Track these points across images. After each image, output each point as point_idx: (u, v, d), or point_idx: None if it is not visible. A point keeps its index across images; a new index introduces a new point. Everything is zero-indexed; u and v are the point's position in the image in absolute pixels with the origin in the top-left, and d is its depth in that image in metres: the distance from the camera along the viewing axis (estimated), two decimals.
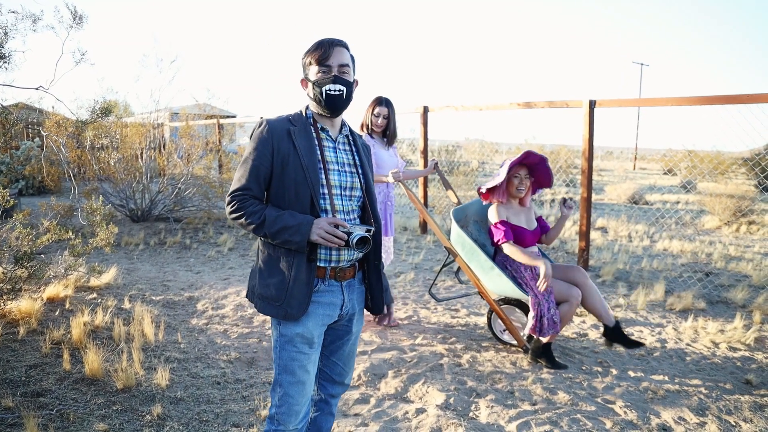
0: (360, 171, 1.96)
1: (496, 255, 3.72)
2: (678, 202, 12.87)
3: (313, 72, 1.85)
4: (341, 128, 1.98)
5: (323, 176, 1.85)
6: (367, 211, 1.97)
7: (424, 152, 7.94)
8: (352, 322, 2.01)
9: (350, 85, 1.88)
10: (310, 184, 1.81)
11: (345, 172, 1.92)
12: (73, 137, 8.10)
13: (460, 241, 3.65)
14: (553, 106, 6.20)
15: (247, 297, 1.99)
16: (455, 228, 3.68)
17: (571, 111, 6.26)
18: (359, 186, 1.94)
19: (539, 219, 3.74)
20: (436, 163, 4.20)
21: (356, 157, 1.98)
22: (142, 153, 8.67)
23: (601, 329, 4.20)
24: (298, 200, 1.81)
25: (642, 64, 40.16)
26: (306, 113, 1.93)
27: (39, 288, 4.58)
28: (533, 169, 3.67)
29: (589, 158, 5.82)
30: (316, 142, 1.87)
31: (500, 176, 3.54)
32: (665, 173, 22.42)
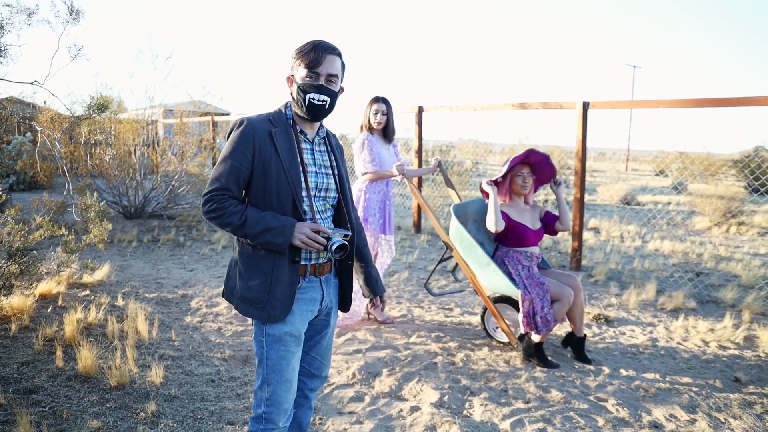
0: (335, 172, 1.98)
1: (495, 252, 3.75)
2: (669, 203, 12.98)
3: (301, 75, 1.83)
4: (318, 129, 1.98)
5: (303, 179, 1.86)
6: (342, 212, 1.98)
7: (419, 152, 7.95)
8: (330, 315, 2.03)
9: (335, 96, 1.87)
10: (291, 186, 1.81)
11: (322, 173, 1.93)
12: (66, 133, 8.04)
13: (459, 236, 3.67)
14: (548, 107, 6.24)
15: (223, 296, 1.97)
16: (454, 223, 3.70)
17: (564, 112, 6.31)
18: (334, 187, 1.96)
19: (547, 213, 3.77)
20: (440, 162, 4.20)
21: (332, 158, 1.99)
22: (135, 149, 8.63)
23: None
24: (280, 203, 1.81)
25: (635, 66, 40.55)
26: (286, 113, 1.92)
27: (31, 284, 4.55)
28: (535, 167, 3.70)
29: (582, 159, 5.87)
30: (296, 144, 1.87)
31: (500, 172, 3.59)
32: (657, 174, 22.59)
